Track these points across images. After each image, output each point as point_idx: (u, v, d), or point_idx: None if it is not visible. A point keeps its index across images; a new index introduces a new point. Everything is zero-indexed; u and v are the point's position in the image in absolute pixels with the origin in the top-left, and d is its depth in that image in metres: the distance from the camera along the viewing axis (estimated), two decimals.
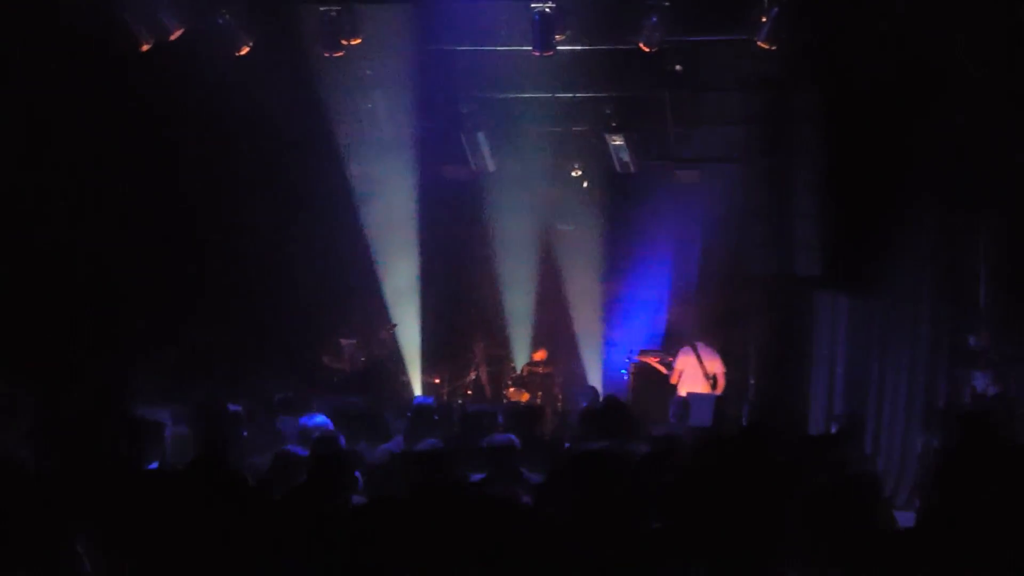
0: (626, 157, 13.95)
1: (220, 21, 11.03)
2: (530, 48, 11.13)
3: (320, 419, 7.81)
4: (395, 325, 14.69)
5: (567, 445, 8.61)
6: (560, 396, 14.68)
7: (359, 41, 11.23)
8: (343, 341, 14.44)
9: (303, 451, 6.55)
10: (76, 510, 4.53)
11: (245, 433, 7.71)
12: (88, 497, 4.77)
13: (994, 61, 10.31)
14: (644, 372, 14.38)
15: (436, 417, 8.54)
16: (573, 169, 14.81)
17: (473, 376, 14.73)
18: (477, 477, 7.18)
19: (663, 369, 13.91)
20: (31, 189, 10.99)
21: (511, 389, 14.44)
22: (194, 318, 12.82)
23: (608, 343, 14.91)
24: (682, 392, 13.07)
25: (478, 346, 15.06)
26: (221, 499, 4.24)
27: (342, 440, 6.81)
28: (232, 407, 7.73)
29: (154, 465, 6.22)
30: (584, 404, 11.10)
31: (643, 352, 14.51)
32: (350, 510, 4.79)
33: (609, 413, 9.45)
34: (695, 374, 13.42)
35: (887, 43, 10.66)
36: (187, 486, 4.34)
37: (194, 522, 4.18)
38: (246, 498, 4.34)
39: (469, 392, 14.57)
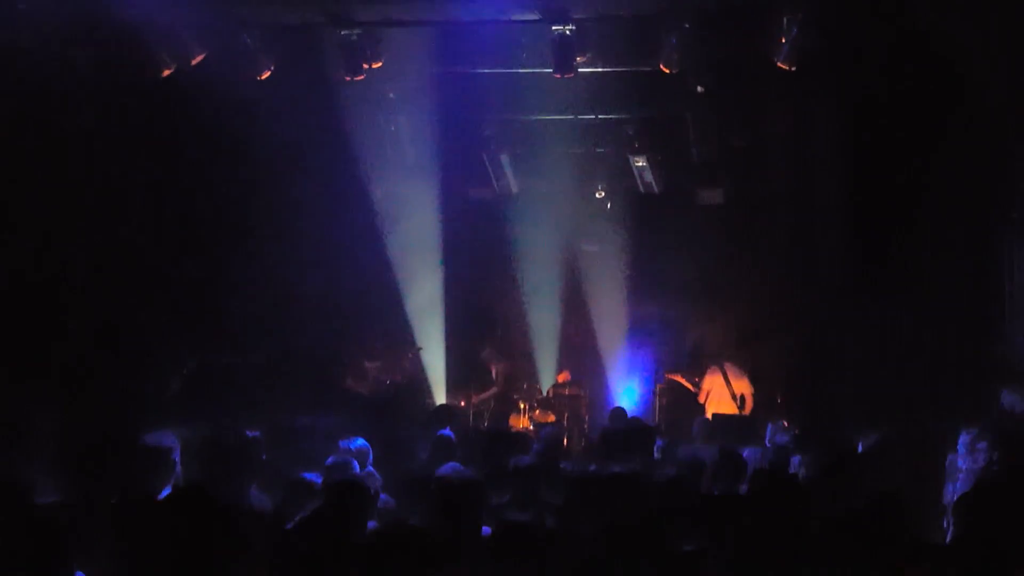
0: (649, 177, 13.95)
1: (241, 46, 11.07)
2: (551, 70, 11.12)
3: (360, 442, 7.79)
4: (420, 348, 14.67)
5: (592, 467, 8.51)
6: (587, 417, 14.59)
7: (380, 64, 11.24)
8: (368, 363, 14.42)
9: (318, 478, 6.51)
10: (80, 539, 4.51)
11: (264, 457, 7.65)
12: (92, 526, 4.76)
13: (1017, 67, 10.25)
14: (673, 392, 14.30)
15: (458, 453, 8.46)
16: (597, 190, 14.81)
17: (494, 397, 14.66)
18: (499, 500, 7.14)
19: (692, 387, 13.83)
20: (50, 212, 11.04)
21: (537, 411, 14.36)
22: (215, 341, 12.85)
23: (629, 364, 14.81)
24: (710, 412, 12.98)
25: (499, 367, 14.97)
26: (204, 531, 4.20)
27: (355, 465, 6.74)
28: (250, 432, 7.68)
29: (167, 491, 6.18)
30: (611, 425, 11.01)
31: (670, 371, 14.44)
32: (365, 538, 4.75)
33: (633, 434, 9.39)
34: (722, 394, 13.33)
35: (910, 53, 10.61)
36: (167, 518, 4.30)
37: (181, 555, 4.16)
38: (233, 529, 4.30)
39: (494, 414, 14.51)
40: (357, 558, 4.52)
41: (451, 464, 7.64)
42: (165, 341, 12.13)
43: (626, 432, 9.52)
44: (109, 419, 9.24)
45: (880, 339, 12.65)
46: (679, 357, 14.76)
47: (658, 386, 14.50)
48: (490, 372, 14.91)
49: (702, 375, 13.71)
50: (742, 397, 13.27)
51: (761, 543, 5.10)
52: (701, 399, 13.52)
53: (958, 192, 11.57)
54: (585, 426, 14.43)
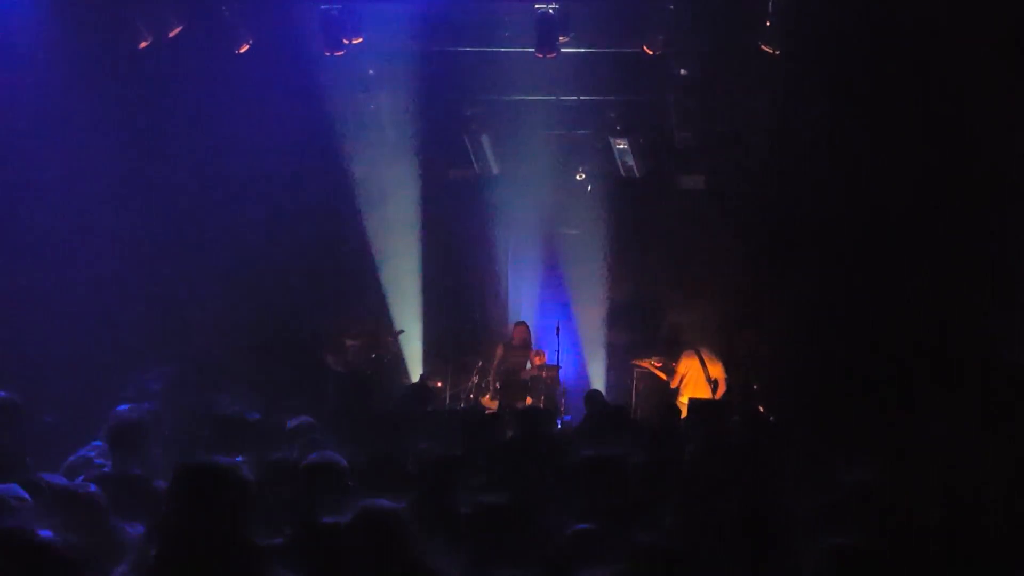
0: (630, 161, 13.91)
1: (220, 19, 10.94)
2: (533, 50, 11.05)
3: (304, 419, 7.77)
4: (401, 331, 14.60)
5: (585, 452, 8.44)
6: (563, 401, 14.51)
7: (360, 40, 11.14)
8: (348, 341, 14.32)
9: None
10: None
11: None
12: None
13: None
14: (650, 377, 14.22)
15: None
16: (577, 173, 14.74)
17: (474, 380, 14.52)
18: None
19: (662, 375, 13.74)
20: (28, 188, 10.92)
21: None
22: (196, 320, 12.78)
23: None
24: (685, 396, 12.93)
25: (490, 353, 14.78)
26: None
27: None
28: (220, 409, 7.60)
29: (135, 470, 6.08)
30: (586, 409, 10.98)
31: (637, 358, 14.36)
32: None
33: (609, 419, 9.35)
34: (698, 378, 13.27)
35: (896, 37, 10.58)
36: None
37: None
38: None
39: (472, 396, 14.40)
40: (336, 537, 4.45)
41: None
42: (144, 325, 12.05)
43: (603, 416, 9.52)
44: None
45: (862, 328, 12.63)
46: (656, 342, 14.65)
47: (636, 371, 14.42)
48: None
49: (677, 359, 13.62)
50: (715, 381, 13.23)
51: (736, 529, 5.06)
52: (675, 384, 13.42)
53: (947, 176, 11.54)
54: (561, 409, 14.35)
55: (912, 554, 4.78)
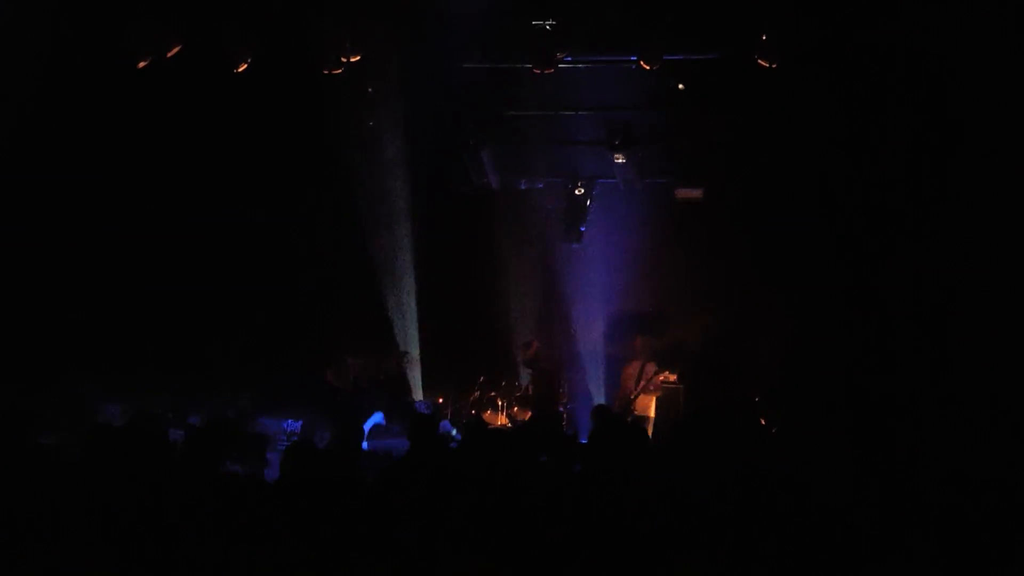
0: (629, 174, 13.91)
1: (219, 37, 11.00)
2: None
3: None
4: (406, 352, 14.58)
5: (576, 468, 8.43)
6: (566, 416, 14.47)
7: (358, 58, 11.17)
8: (350, 360, 14.31)
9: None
10: None
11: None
12: None
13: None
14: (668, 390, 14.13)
15: None
16: (577, 186, 14.74)
17: (475, 395, 14.49)
18: None
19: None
20: (31, 201, 11.02)
21: (515, 408, 14.22)
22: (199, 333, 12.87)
23: None
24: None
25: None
26: None
27: None
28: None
29: None
30: (592, 424, 10.95)
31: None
32: None
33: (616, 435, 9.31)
34: None
35: (896, 49, 10.62)
36: None
37: None
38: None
39: (473, 412, 14.38)
40: None
41: None
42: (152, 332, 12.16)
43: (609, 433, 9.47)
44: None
45: (861, 340, 12.62)
46: (656, 354, 14.52)
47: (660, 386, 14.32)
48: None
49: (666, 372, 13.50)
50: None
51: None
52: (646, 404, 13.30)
53: (949, 185, 11.54)
54: (564, 425, 14.29)
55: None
